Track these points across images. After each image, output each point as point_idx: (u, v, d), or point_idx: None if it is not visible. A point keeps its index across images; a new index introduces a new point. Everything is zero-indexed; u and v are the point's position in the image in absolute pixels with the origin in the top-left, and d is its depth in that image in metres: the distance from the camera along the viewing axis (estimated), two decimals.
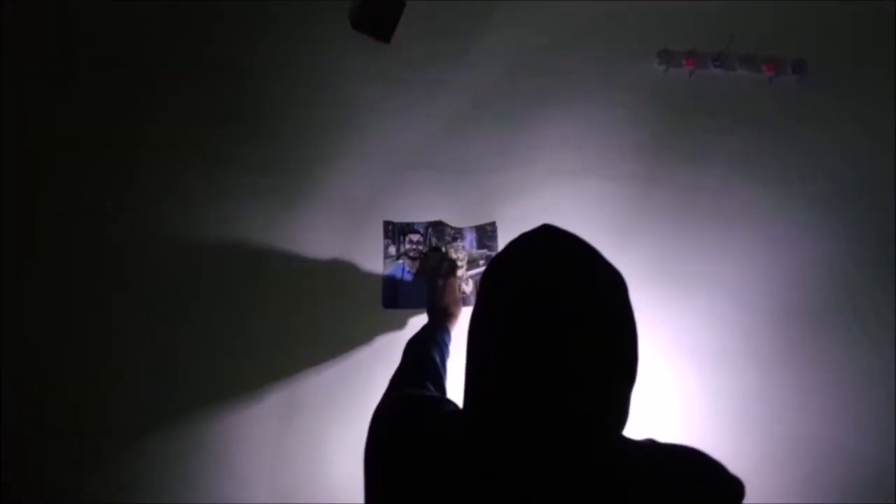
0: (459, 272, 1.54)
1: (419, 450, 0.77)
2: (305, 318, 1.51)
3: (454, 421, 0.80)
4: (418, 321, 1.53)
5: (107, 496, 1.46)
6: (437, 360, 1.16)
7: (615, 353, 0.67)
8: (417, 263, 1.54)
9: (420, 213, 1.55)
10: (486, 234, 1.56)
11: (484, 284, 0.74)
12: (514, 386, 0.66)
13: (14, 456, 1.44)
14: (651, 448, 0.72)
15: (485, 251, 1.56)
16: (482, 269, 1.55)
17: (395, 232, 1.54)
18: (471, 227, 1.56)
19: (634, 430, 0.74)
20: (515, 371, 0.66)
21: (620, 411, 0.69)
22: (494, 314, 0.69)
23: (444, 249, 1.54)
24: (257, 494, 1.49)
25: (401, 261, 1.54)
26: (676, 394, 1.53)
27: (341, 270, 1.52)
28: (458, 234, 1.55)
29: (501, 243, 1.55)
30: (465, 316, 1.52)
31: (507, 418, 0.67)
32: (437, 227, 1.55)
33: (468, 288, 1.55)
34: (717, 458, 0.73)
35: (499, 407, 0.68)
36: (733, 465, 0.74)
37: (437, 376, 1.11)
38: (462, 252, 1.55)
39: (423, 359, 1.16)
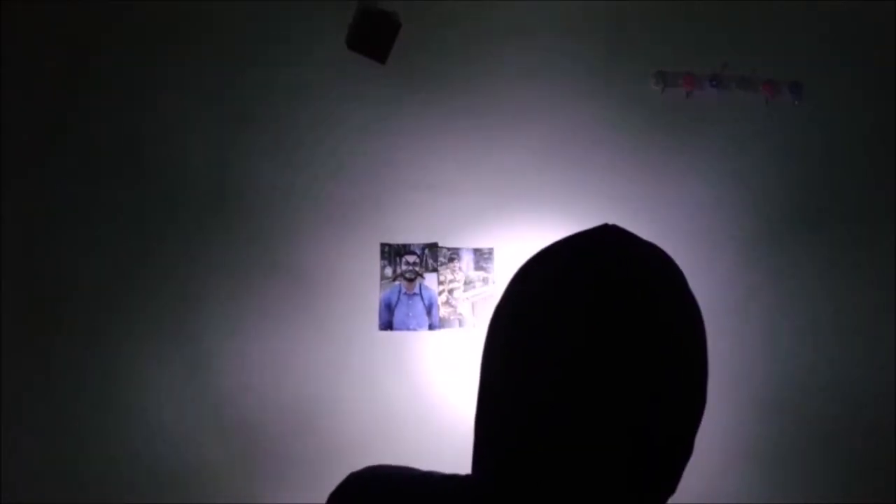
0: (456, 293, 1.53)
1: None
2: (301, 340, 1.50)
3: (452, 491, 0.58)
4: (414, 343, 1.51)
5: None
6: None
7: (694, 410, 0.50)
8: (414, 284, 1.53)
9: (416, 234, 1.54)
10: (482, 256, 1.55)
11: (526, 280, 0.54)
12: (554, 445, 0.47)
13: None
14: None
15: (482, 273, 1.54)
16: (479, 290, 1.54)
17: (392, 253, 1.53)
18: (468, 249, 1.54)
19: None
20: (558, 424, 0.47)
21: (676, 483, 0.52)
22: (533, 344, 0.50)
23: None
24: None
25: (397, 282, 1.52)
26: None
27: (337, 292, 1.51)
28: (454, 254, 1.54)
29: (498, 265, 1.55)
30: (463, 336, 1.51)
31: (539, 491, 0.49)
32: (434, 248, 1.54)
33: (465, 309, 1.53)
34: None
35: (529, 475, 0.49)
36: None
37: None
38: (459, 273, 1.54)
39: None
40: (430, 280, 1.54)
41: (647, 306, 0.48)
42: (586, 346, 0.47)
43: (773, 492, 1.53)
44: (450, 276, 1.54)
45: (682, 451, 0.51)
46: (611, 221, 1.53)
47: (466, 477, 0.57)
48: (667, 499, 0.52)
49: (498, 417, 0.52)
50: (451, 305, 1.54)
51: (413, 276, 1.53)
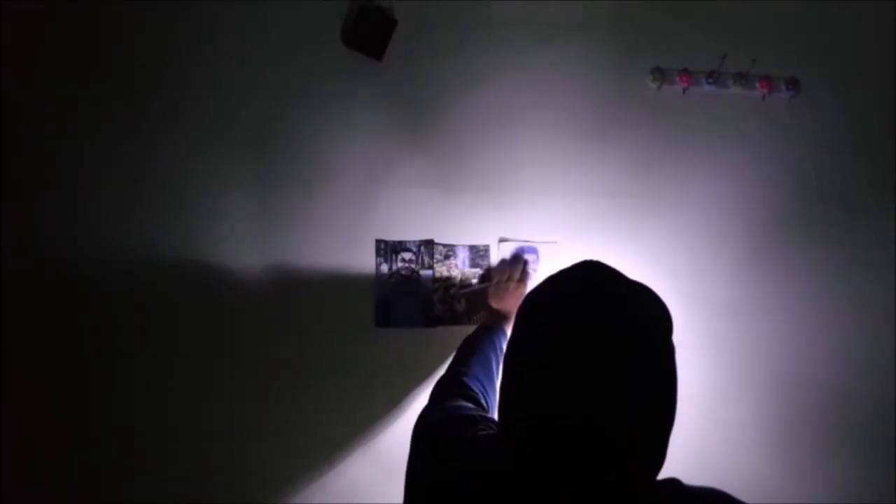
0: (452, 290, 1.53)
1: (451, 476, 0.79)
2: (296, 339, 1.50)
3: (485, 447, 0.81)
4: (412, 340, 1.52)
5: None
6: (494, 365, 1.18)
7: (660, 395, 0.67)
8: (411, 283, 1.53)
9: (412, 231, 1.53)
10: (478, 253, 1.55)
11: (524, 318, 0.73)
12: (550, 425, 0.65)
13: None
14: (675, 494, 0.71)
15: (477, 270, 1.54)
16: (474, 287, 1.54)
17: (388, 250, 1.53)
18: (463, 246, 1.55)
19: None
20: (553, 410, 0.65)
21: (659, 456, 0.68)
22: (534, 351, 0.69)
23: (435, 266, 1.54)
24: None
25: (393, 279, 1.52)
26: None
27: (333, 289, 1.51)
28: (450, 251, 1.54)
29: (493, 262, 1.55)
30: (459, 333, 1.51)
31: (540, 457, 0.66)
32: (430, 245, 1.54)
33: (461, 306, 1.53)
34: (744, 502, 0.70)
35: (531, 445, 0.67)
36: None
37: (490, 381, 1.14)
38: (455, 270, 1.54)
39: (480, 361, 1.18)
40: (425, 277, 1.54)
41: (622, 311, 0.66)
42: (572, 357, 0.64)
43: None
44: (445, 273, 1.54)
45: (651, 447, 0.67)
46: (608, 217, 1.55)
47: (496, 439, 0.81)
48: (655, 468, 0.68)
49: (509, 406, 0.72)
50: (447, 302, 1.54)
51: (409, 273, 1.53)
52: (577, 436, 0.64)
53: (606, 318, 0.66)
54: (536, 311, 0.73)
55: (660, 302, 0.72)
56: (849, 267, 1.58)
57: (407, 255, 1.53)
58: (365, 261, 1.52)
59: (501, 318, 1.39)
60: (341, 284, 1.51)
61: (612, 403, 0.63)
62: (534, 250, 1.54)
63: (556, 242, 1.54)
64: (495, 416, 0.91)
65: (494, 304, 1.45)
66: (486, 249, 1.55)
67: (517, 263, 1.51)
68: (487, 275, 1.54)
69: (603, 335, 0.64)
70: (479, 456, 0.79)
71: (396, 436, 1.50)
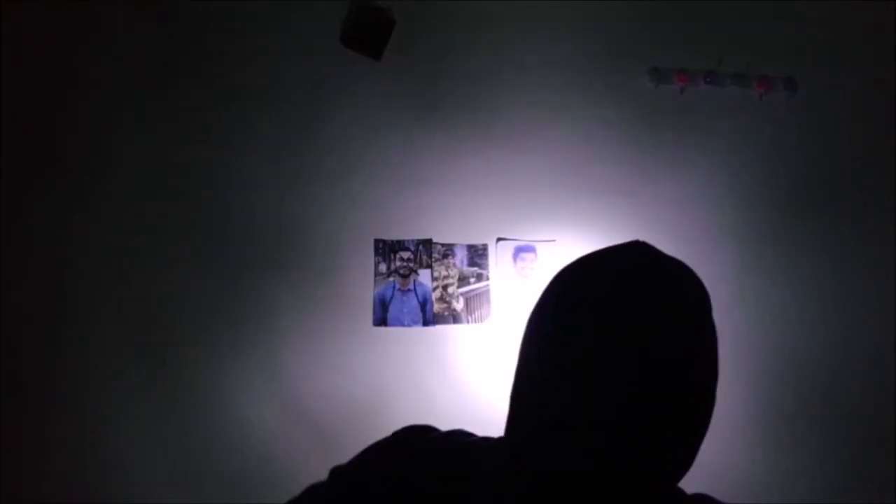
0: (450, 289, 1.54)
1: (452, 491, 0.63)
2: (294, 335, 1.50)
3: (485, 452, 0.66)
4: (409, 339, 1.52)
5: None
6: None
7: (700, 390, 0.59)
8: (409, 281, 1.53)
9: (410, 230, 1.54)
10: (477, 252, 1.55)
11: (554, 294, 0.63)
12: (579, 413, 0.56)
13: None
14: None
15: (475, 269, 1.55)
16: (473, 286, 1.54)
17: (386, 249, 1.53)
18: (462, 245, 1.55)
19: None
20: (582, 396, 0.56)
21: (688, 458, 0.60)
22: (564, 329, 0.59)
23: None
24: None
25: (391, 278, 1.53)
26: None
27: (331, 288, 1.51)
28: (448, 250, 1.54)
29: (492, 261, 1.55)
30: (457, 332, 1.52)
31: (560, 449, 0.58)
32: (428, 244, 1.54)
33: (459, 305, 1.54)
34: None
35: (553, 435, 0.58)
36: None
37: None
38: (453, 269, 1.54)
39: None
40: (424, 276, 1.54)
41: (668, 325, 0.57)
42: (603, 353, 0.56)
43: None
44: (444, 272, 1.54)
45: (685, 446, 0.59)
46: (606, 217, 1.55)
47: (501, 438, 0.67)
48: (678, 475, 0.60)
49: (528, 397, 0.62)
50: (446, 301, 1.54)
51: (407, 273, 1.54)
52: (599, 431, 0.56)
53: (656, 294, 0.58)
54: (585, 284, 0.62)
55: (699, 279, 0.63)
56: (846, 264, 1.58)
57: (405, 255, 1.54)
58: (363, 260, 1.53)
59: None
60: (340, 283, 1.51)
61: (650, 396, 0.56)
62: (532, 249, 1.54)
63: (554, 241, 1.55)
64: None
65: None
66: (485, 248, 1.55)
67: None
68: None
69: (651, 310, 0.57)
70: (480, 466, 0.64)
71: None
